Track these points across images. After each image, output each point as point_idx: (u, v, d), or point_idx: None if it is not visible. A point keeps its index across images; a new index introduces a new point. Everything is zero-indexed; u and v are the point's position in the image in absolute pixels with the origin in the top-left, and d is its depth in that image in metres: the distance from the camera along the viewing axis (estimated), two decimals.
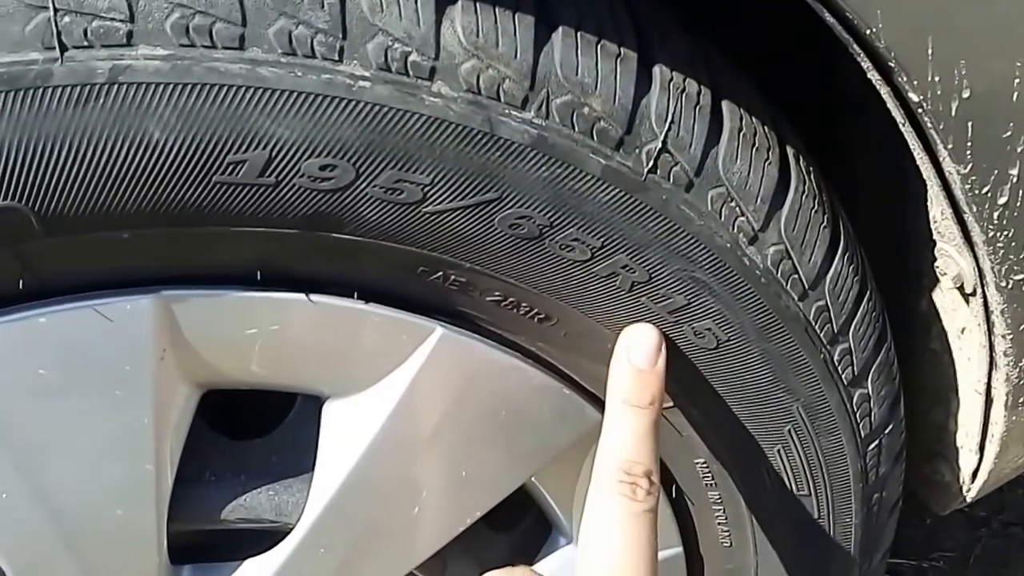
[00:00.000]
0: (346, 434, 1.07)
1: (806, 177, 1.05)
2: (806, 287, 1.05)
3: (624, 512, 0.95)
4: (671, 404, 1.14)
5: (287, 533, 1.11)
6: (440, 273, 0.97)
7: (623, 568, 0.93)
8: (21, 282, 0.86)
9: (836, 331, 1.10)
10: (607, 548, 0.95)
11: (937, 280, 1.18)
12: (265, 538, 1.13)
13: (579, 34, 0.88)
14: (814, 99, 1.21)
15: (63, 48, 0.74)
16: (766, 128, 1.02)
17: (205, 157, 0.80)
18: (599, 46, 0.89)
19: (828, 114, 1.23)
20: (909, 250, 1.20)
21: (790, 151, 1.04)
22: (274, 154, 0.82)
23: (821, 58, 1.13)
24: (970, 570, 2.45)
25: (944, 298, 1.19)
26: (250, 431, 1.13)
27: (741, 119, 0.99)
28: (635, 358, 1.01)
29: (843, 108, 1.22)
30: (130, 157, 0.79)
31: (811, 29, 0.93)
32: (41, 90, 0.75)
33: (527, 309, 1.03)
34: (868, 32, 0.88)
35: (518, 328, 1.06)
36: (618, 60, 0.90)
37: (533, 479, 1.23)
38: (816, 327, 1.08)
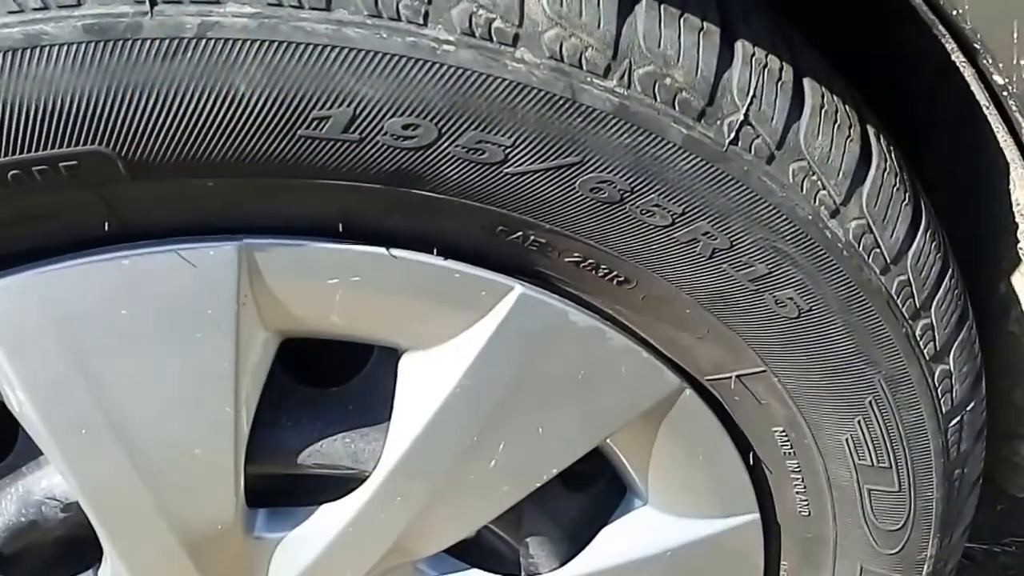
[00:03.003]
0: (423, 386, 1.09)
1: (887, 155, 1.05)
2: (888, 261, 1.05)
3: None
4: (761, 368, 1.14)
5: (362, 481, 1.13)
6: (520, 233, 0.98)
7: None
8: (107, 225, 0.89)
9: (918, 306, 1.09)
10: None
11: (1016, 263, 1.16)
12: (340, 486, 1.16)
13: (662, 7, 0.89)
14: (886, 86, 1.20)
15: (153, 2, 0.76)
16: (847, 107, 1.02)
17: (290, 112, 0.82)
18: (682, 19, 0.90)
19: (901, 100, 1.22)
20: (986, 234, 1.18)
21: (871, 130, 1.04)
22: (358, 112, 0.83)
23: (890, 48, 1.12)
24: None
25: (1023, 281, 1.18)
26: (327, 380, 1.15)
27: (823, 96, 1.00)
28: None
29: (915, 94, 1.20)
30: (216, 109, 0.81)
31: (878, 14, 0.93)
32: (131, 42, 0.77)
33: (606, 271, 1.03)
34: (954, 13, 0.88)
35: (596, 290, 1.06)
36: (701, 33, 0.91)
37: (609, 441, 1.24)
38: (898, 301, 1.07)
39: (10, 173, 0.82)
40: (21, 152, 0.81)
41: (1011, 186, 1.09)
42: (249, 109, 0.82)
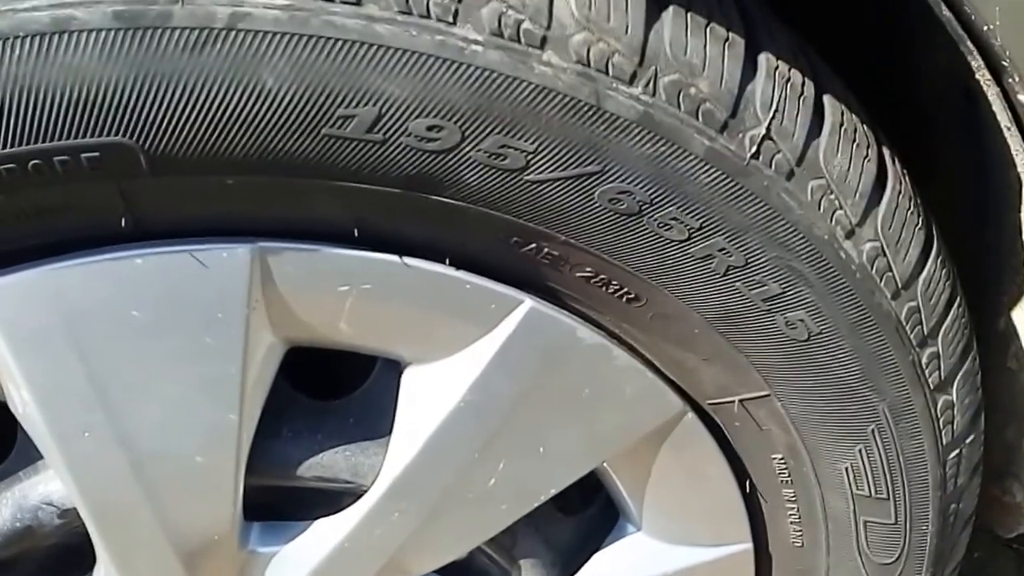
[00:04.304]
0: (425, 401, 1.08)
1: (902, 178, 1.05)
2: (899, 286, 1.05)
3: None
4: (766, 393, 1.13)
5: (360, 496, 1.12)
6: (534, 245, 0.97)
7: None
8: (123, 221, 0.88)
9: (926, 334, 1.09)
10: None
11: (1017, 298, 1.16)
12: (336, 501, 1.15)
13: (689, 15, 0.89)
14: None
15: None
16: (864, 127, 1.02)
17: (316, 109, 0.82)
18: (708, 29, 0.90)
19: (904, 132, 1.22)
20: (987, 269, 1.19)
21: (886, 152, 1.04)
22: (383, 111, 0.83)
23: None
24: None
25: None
26: (329, 393, 1.14)
27: (842, 114, 1.00)
28: None
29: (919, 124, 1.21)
30: (242, 103, 0.80)
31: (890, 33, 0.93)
32: (160, 31, 0.76)
33: (616, 288, 1.03)
34: (985, 29, 0.88)
35: (604, 307, 1.06)
36: (726, 44, 0.91)
37: (605, 464, 1.23)
38: (907, 328, 1.07)
39: (31, 163, 0.81)
40: (44, 141, 0.80)
41: (1023, 211, 1.09)
42: (275, 105, 0.81)
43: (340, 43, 0.79)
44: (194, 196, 0.88)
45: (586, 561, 1.32)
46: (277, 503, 1.16)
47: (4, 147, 0.80)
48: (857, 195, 1.00)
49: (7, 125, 0.79)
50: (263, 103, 0.81)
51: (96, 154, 0.81)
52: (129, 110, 0.79)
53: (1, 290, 0.90)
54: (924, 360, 1.11)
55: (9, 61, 0.76)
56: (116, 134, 0.80)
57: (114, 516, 1.05)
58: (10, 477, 1.10)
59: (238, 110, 0.80)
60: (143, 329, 0.94)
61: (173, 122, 0.80)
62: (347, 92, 0.81)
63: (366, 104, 0.82)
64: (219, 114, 0.80)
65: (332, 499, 1.15)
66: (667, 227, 0.95)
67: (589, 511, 1.36)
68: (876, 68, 1.19)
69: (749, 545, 1.34)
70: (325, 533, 1.15)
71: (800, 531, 1.31)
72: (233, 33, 0.77)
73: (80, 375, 0.94)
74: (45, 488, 1.08)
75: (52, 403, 0.96)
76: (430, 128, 0.84)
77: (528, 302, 1.02)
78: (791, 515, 1.29)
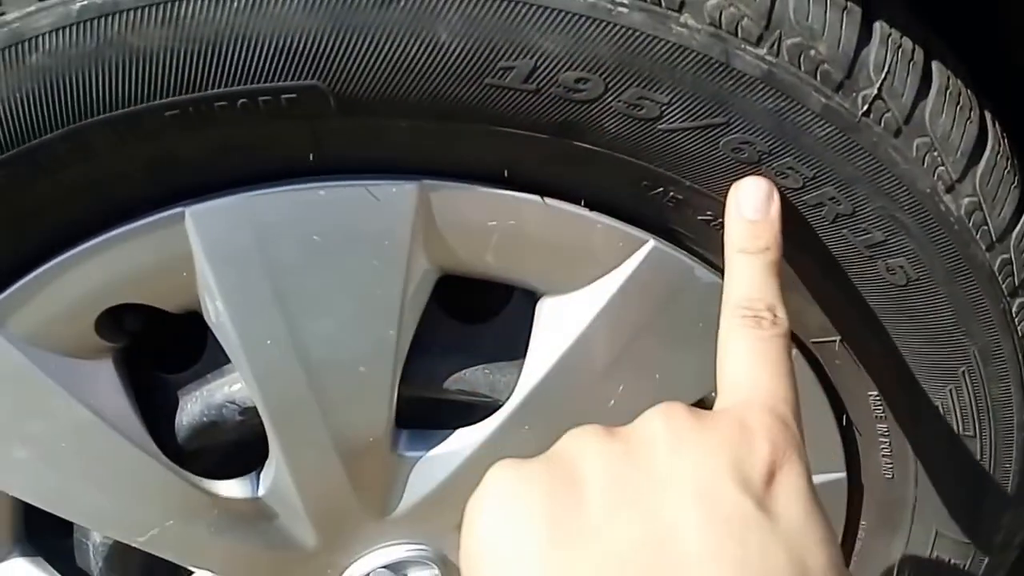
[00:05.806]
0: (556, 328, 1.17)
1: (1001, 140, 1.10)
2: (994, 239, 1.10)
3: (751, 340, 0.92)
4: (837, 338, 1.21)
5: (496, 409, 1.23)
6: (661, 189, 1.05)
7: (755, 384, 0.90)
8: (311, 156, 0.99)
9: (1017, 285, 1.15)
10: (737, 373, 0.91)
11: None
12: (474, 413, 1.25)
13: None
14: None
15: None
16: (969, 91, 1.08)
17: (481, 61, 0.91)
18: None
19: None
20: None
21: (988, 115, 1.09)
22: (538, 64, 0.92)
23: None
24: None
25: None
26: (473, 318, 1.25)
27: (948, 79, 1.05)
28: (746, 210, 1.00)
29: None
30: (419, 54, 0.90)
31: None
32: None
33: None
34: None
35: (721, 249, 1.10)
36: (844, 12, 0.98)
37: (714, 393, 1.26)
38: (999, 278, 1.13)
39: (239, 101, 0.92)
40: (251, 82, 0.90)
41: None
42: (447, 56, 0.90)
43: (505, 2, 0.88)
44: (372, 136, 0.98)
45: None
46: (424, 413, 1.26)
47: (219, 87, 0.91)
48: (959, 153, 1.05)
49: (223, 68, 0.90)
50: (437, 54, 0.90)
51: (294, 95, 0.92)
52: (324, 57, 0.89)
53: (205, 214, 1.01)
54: (1014, 309, 1.16)
55: (226, 11, 0.87)
56: (312, 78, 0.90)
57: (287, 415, 1.15)
58: (200, 378, 1.22)
59: (416, 60, 0.90)
60: (322, 251, 1.04)
61: (361, 69, 0.90)
62: (508, 46, 0.90)
63: (524, 57, 0.91)
64: (399, 63, 0.90)
65: (471, 411, 1.26)
66: (783, 176, 1.02)
67: None
68: (977, 30, 1.24)
69: (843, 475, 1.40)
70: (464, 441, 1.25)
71: (891, 464, 1.37)
72: None
73: (267, 290, 1.05)
74: (230, 389, 1.20)
75: (242, 313, 1.07)
76: (578, 80, 0.93)
77: (651, 242, 1.11)
78: (883, 449, 1.35)
